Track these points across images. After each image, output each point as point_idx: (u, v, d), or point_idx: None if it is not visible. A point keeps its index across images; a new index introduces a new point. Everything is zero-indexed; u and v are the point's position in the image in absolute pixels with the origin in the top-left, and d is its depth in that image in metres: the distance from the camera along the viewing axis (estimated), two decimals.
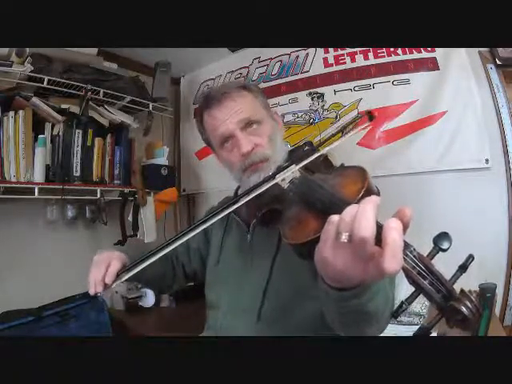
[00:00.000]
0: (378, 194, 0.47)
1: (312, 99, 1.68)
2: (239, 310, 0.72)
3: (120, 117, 1.63)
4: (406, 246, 0.35)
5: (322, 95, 1.66)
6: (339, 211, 0.36)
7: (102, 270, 0.67)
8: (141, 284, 0.86)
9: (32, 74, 1.31)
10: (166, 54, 1.73)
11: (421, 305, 1.16)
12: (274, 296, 0.69)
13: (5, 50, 1.25)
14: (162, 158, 1.80)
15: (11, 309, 1.30)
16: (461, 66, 1.36)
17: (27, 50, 1.28)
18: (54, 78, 1.37)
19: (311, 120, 1.68)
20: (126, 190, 1.65)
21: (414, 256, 0.35)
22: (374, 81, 1.53)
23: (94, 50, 1.52)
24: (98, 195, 1.53)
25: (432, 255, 0.36)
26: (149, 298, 1.68)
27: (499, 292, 1.18)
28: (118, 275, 0.66)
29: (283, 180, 0.61)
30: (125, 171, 1.66)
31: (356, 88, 1.57)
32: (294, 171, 0.61)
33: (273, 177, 0.60)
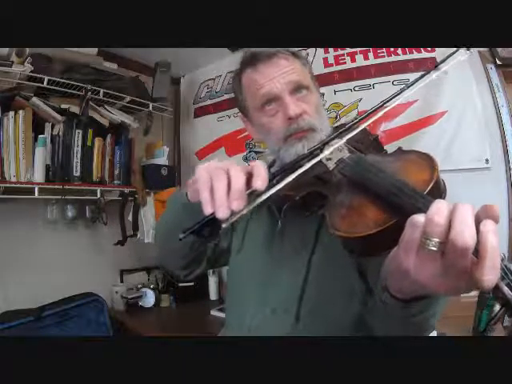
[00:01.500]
0: (445, 189, 0.41)
1: None
2: (271, 310, 0.63)
3: (120, 117, 1.63)
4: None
5: (321, 95, 1.66)
6: (408, 203, 0.31)
7: (240, 173, 0.40)
8: (203, 244, 0.65)
9: (32, 74, 1.31)
10: (165, 54, 1.73)
11: None
12: (314, 293, 0.61)
13: (5, 50, 1.25)
14: (162, 158, 1.80)
15: (11, 309, 1.30)
16: (461, 65, 1.36)
17: (27, 50, 1.28)
18: (54, 78, 1.37)
19: None
20: (126, 190, 1.65)
21: (505, 265, 0.29)
22: (374, 81, 1.53)
23: (94, 50, 1.53)
24: (98, 195, 1.53)
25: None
26: (149, 298, 1.68)
27: None
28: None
29: (329, 159, 0.52)
30: (125, 171, 1.66)
31: (356, 88, 1.57)
32: (341, 149, 0.52)
33: (317, 152, 0.49)
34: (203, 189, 0.40)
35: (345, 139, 0.50)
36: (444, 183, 0.40)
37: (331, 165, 0.52)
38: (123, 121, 1.65)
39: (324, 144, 0.50)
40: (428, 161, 0.42)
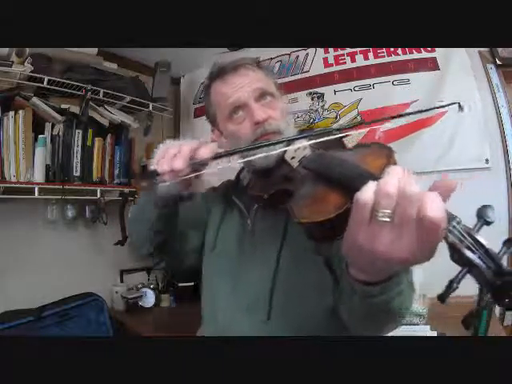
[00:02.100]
0: None
1: (312, 99, 1.68)
2: (242, 307, 0.66)
3: (120, 117, 1.63)
4: (452, 217, 0.31)
5: (321, 95, 1.66)
6: (363, 185, 0.33)
7: (190, 143, 0.51)
8: (171, 223, 0.67)
9: (32, 74, 1.31)
10: (166, 54, 1.73)
11: (421, 305, 1.16)
12: (284, 290, 0.63)
13: (5, 50, 1.25)
14: None
15: (11, 309, 1.30)
16: (461, 65, 1.36)
17: (27, 50, 1.28)
18: (54, 78, 1.37)
19: (311, 120, 1.68)
20: (126, 190, 1.65)
21: (462, 228, 0.31)
22: (374, 81, 1.53)
23: (94, 50, 1.53)
24: (98, 195, 1.53)
25: (477, 228, 0.32)
26: (149, 298, 1.68)
27: None
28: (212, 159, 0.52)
29: (293, 158, 0.56)
30: (125, 171, 1.66)
31: (356, 88, 1.57)
32: (304, 148, 0.56)
33: (282, 146, 0.54)
34: (157, 154, 0.53)
35: (310, 142, 0.54)
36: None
37: (295, 163, 0.56)
38: (123, 121, 1.65)
39: (288, 140, 0.54)
40: (385, 150, 0.45)
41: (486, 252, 0.30)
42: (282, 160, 0.59)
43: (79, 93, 1.44)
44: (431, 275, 1.07)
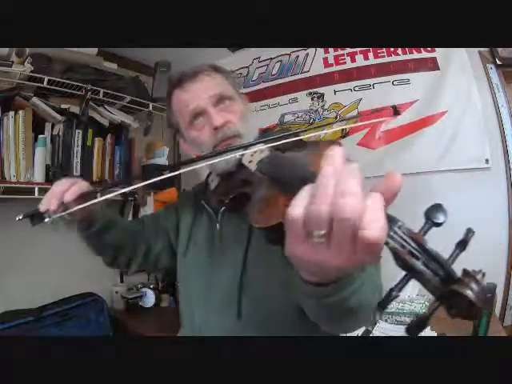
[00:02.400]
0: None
1: (312, 99, 1.68)
2: (215, 308, 0.68)
3: (120, 117, 1.63)
4: (393, 220, 0.29)
5: (322, 95, 1.66)
6: None
7: (64, 184, 0.62)
8: (99, 243, 0.76)
9: (32, 74, 1.31)
10: (166, 54, 1.72)
11: (421, 305, 1.16)
12: (252, 290, 0.65)
13: (5, 50, 1.25)
14: (162, 158, 1.80)
15: (11, 309, 1.30)
16: (461, 65, 1.36)
17: (27, 50, 1.28)
18: (54, 78, 1.37)
19: (311, 120, 1.68)
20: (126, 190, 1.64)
21: (403, 232, 0.28)
22: (374, 81, 1.53)
23: (94, 50, 1.52)
24: (98, 195, 1.53)
25: (424, 231, 0.30)
26: (149, 298, 1.68)
27: (499, 292, 1.18)
28: (81, 199, 0.61)
29: (250, 162, 0.57)
30: (125, 171, 1.66)
31: (356, 88, 1.57)
32: (262, 151, 0.57)
33: (239, 151, 0.56)
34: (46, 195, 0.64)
35: (266, 145, 0.55)
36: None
37: (253, 166, 0.56)
38: (123, 121, 1.65)
39: (245, 146, 0.56)
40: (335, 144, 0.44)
41: (431, 257, 0.28)
42: (240, 164, 0.60)
43: (79, 93, 1.44)
44: None
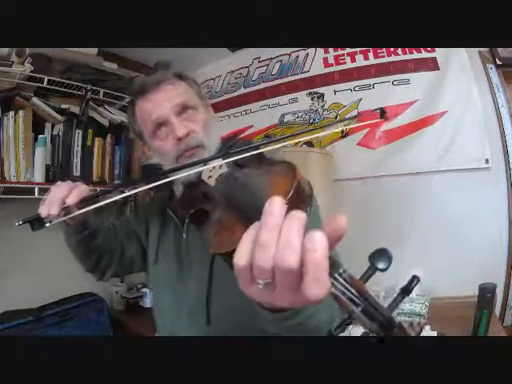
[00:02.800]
0: (310, 192, 0.42)
1: (312, 99, 1.69)
2: (185, 315, 0.69)
3: (120, 117, 1.63)
4: (336, 266, 0.29)
5: (322, 95, 1.66)
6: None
7: (64, 188, 0.60)
8: (88, 247, 0.75)
9: (32, 74, 1.31)
10: (166, 53, 1.72)
11: (421, 305, 1.16)
12: (219, 297, 0.66)
13: (5, 50, 1.25)
14: None
15: (11, 309, 1.30)
16: (461, 65, 1.36)
17: (27, 50, 1.28)
18: (54, 78, 1.37)
19: (311, 120, 1.68)
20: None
21: (345, 279, 0.29)
22: (374, 81, 1.53)
23: (94, 50, 1.52)
24: None
25: (367, 277, 0.30)
26: (149, 298, 1.68)
27: (499, 292, 1.18)
28: (81, 203, 0.59)
29: (210, 178, 0.55)
30: (125, 171, 1.66)
31: (356, 88, 1.57)
32: (221, 166, 0.55)
33: (197, 165, 0.55)
34: (44, 199, 0.61)
35: (225, 160, 0.54)
36: (310, 185, 0.41)
37: (212, 182, 0.55)
38: (123, 121, 1.65)
39: (203, 161, 0.55)
40: (289, 170, 0.43)
41: (371, 305, 0.28)
42: (199, 179, 0.59)
43: (79, 93, 1.44)
44: (431, 276, 1.08)
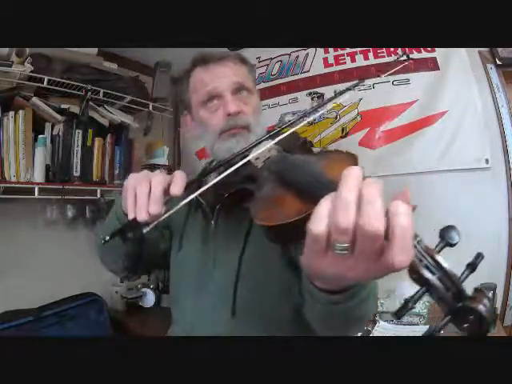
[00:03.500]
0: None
1: (312, 99, 1.68)
2: (208, 306, 0.67)
3: (120, 117, 1.63)
4: (413, 235, 0.29)
5: (321, 95, 1.66)
6: (326, 193, 0.30)
7: (160, 177, 0.48)
8: (133, 249, 0.65)
9: (32, 74, 1.31)
10: (166, 53, 1.72)
11: (421, 305, 1.16)
12: (248, 288, 0.64)
13: (5, 50, 1.25)
14: (162, 158, 1.80)
15: (11, 309, 1.30)
16: (461, 65, 1.36)
17: (27, 50, 1.28)
18: (54, 78, 1.37)
19: (311, 120, 1.68)
20: None
21: (422, 247, 0.29)
22: (374, 81, 1.53)
23: (94, 50, 1.52)
24: (98, 195, 1.53)
25: (439, 249, 0.31)
26: (149, 298, 1.68)
27: (499, 292, 1.18)
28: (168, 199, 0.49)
29: (257, 159, 0.57)
30: (125, 171, 1.66)
31: (356, 88, 1.57)
32: (270, 149, 0.57)
33: (247, 152, 0.55)
34: (128, 196, 0.48)
35: (275, 140, 0.55)
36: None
37: (259, 163, 0.57)
38: (123, 121, 1.65)
39: (254, 145, 0.56)
40: (349, 158, 0.45)
41: (445, 274, 0.29)
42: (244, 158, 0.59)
43: (79, 93, 1.44)
44: None
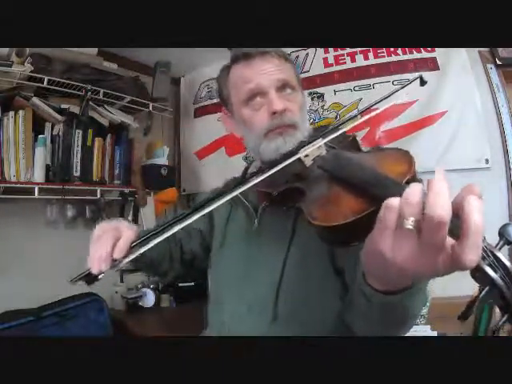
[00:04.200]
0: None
1: (312, 99, 1.68)
2: (248, 308, 0.64)
3: (120, 117, 1.63)
4: None
5: (321, 95, 1.66)
6: (385, 191, 0.31)
7: (109, 241, 0.54)
8: (138, 266, 0.73)
9: (32, 74, 1.31)
10: (166, 54, 1.72)
11: None
12: (290, 291, 0.61)
13: (5, 50, 1.25)
14: (162, 158, 1.80)
15: (11, 309, 1.30)
16: (461, 65, 1.36)
17: (27, 50, 1.28)
18: (54, 78, 1.37)
19: (311, 120, 1.68)
20: (126, 190, 1.65)
21: (485, 246, 0.29)
22: (374, 81, 1.53)
23: (94, 50, 1.52)
24: (98, 195, 1.53)
25: (500, 246, 0.31)
26: (149, 298, 1.68)
27: None
28: (131, 249, 0.54)
29: (306, 156, 0.55)
30: (125, 171, 1.66)
31: (356, 88, 1.57)
32: (320, 147, 0.55)
33: (296, 151, 0.54)
34: (90, 254, 0.56)
35: (325, 139, 0.54)
36: (421, 181, 0.40)
37: (308, 162, 0.55)
38: (123, 121, 1.65)
39: (305, 144, 0.55)
40: (406, 156, 0.45)
41: (507, 272, 0.29)
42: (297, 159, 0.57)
43: (79, 93, 1.44)
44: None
